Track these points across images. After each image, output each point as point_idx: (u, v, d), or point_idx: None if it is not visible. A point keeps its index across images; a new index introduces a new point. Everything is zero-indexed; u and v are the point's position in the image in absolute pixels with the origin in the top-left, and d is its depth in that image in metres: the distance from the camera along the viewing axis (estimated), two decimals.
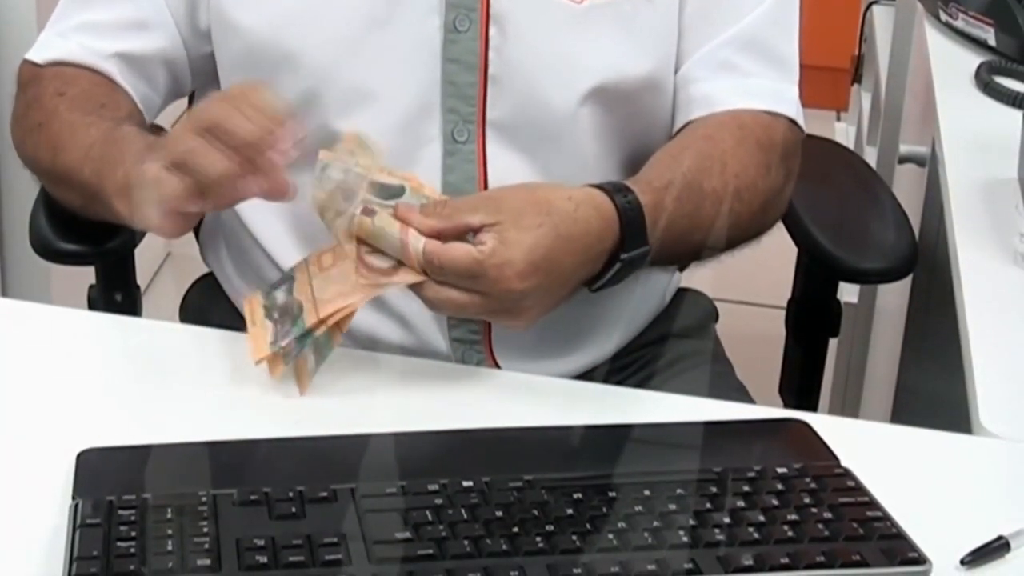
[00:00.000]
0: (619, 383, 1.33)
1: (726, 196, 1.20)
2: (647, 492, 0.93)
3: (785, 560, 0.88)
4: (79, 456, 0.96)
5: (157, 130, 1.25)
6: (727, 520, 0.91)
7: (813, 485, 0.95)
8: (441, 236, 1.06)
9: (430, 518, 0.90)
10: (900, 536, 0.91)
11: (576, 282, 1.12)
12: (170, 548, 0.86)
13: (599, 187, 1.13)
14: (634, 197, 1.13)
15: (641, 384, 1.36)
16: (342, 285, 1.07)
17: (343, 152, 1.09)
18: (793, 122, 1.30)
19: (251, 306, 1.11)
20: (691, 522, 0.90)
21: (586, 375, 1.33)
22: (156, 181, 1.06)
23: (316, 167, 1.08)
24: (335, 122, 1.24)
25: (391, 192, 1.09)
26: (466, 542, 0.88)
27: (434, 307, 1.09)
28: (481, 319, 1.24)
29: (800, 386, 1.51)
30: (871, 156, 2.42)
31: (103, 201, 1.16)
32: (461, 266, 1.05)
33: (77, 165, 1.19)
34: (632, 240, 1.13)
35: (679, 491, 0.93)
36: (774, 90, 1.30)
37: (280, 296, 1.10)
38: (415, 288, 1.07)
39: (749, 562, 0.88)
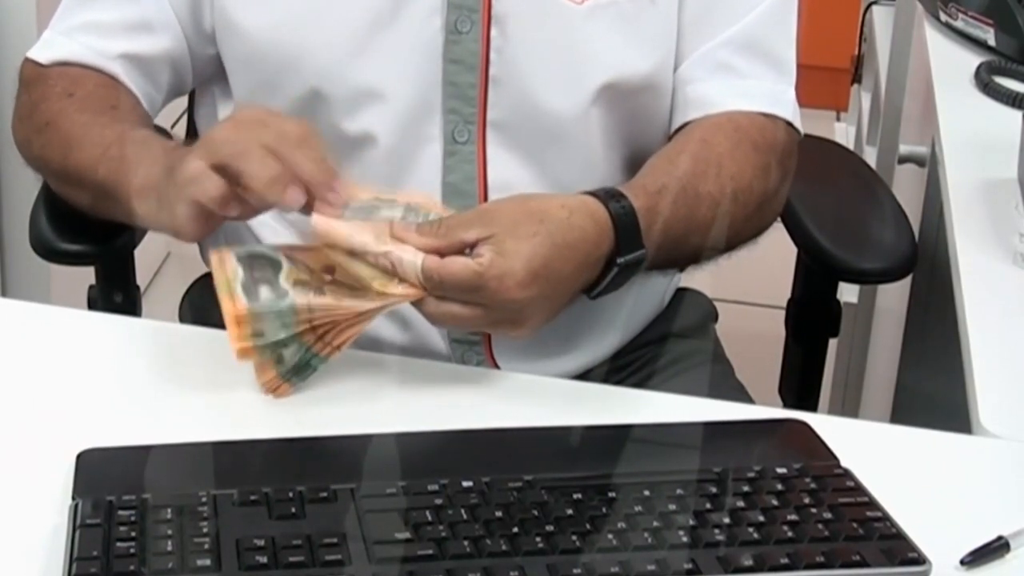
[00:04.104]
0: (619, 383, 1.33)
1: (722, 199, 1.20)
2: (647, 492, 0.93)
3: (785, 560, 0.88)
4: (79, 456, 0.96)
5: (160, 132, 1.26)
6: (727, 520, 0.91)
7: (813, 485, 0.95)
8: (439, 254, 1.06)
9: (430, 518, 0.90)
10: (900, 536, 0.91)
11: (575, 289, 1.12)
12: (170, 548, 0.86)
13: (592, 194, 1.13)
14: (628, 202, 1.13)
15: (641, 384, 1.36)
16: (336, 288, 1.07)
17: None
18: (790, 124, 1.30)
19: (221, 261, 1.08)
20: (691, 522, 0.90)
21: (585, 375, 1.33)
22: (197, 177, 1.06)
23: None
24: (339, 122, 1.24)
25: (390, 211, 1.09)
26: (466, 542, 0.88)
27: (436, 322, 1.09)
28: (483, 331, 1.24)
29: (800, 386, 1.51)
30: (871, 156, 2.42)
31: (119, 201, 1.16)
32: (461, 279, 1.05)
33: (91, 164, 1.19)
34: (628, 245, 1.12)
35: (679, 491, 0.93)
36: (771, 92, 1.30)
37: (260, 274, 1.08)
38: (416, 304, 1.07)
39: (749, 562, 0.88)
